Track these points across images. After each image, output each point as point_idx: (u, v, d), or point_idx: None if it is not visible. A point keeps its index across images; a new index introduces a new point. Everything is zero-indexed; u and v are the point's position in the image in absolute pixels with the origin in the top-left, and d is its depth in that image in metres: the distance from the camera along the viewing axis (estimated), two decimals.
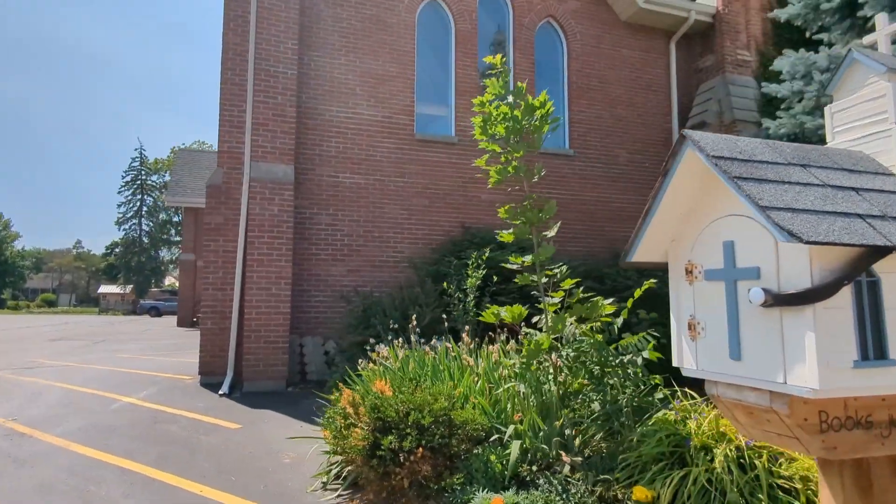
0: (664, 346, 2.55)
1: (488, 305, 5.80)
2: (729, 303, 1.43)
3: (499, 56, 3.95)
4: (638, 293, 3.55)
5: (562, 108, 9.96)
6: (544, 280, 3.80)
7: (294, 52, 7.72)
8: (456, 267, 6.91)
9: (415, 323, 5.90)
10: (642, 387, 3.54)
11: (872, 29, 5.91)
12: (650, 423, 3.09)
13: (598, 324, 3.85)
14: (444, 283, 5.53)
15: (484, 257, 5.52)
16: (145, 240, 48.52)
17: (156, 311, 36.15)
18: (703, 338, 1.54)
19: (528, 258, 3.83)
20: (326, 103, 8.25)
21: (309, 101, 8.17)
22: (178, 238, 46.49)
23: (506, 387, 3.65)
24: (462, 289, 5.43)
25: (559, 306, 3.80)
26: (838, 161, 1.52)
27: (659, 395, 3.57)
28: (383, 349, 5.73)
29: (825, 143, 5.86)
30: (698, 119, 10.65)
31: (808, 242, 1.13)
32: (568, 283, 3.81)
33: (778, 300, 1.26)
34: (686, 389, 3.53)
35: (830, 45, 7.27)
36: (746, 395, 1.43)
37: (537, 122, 3.75)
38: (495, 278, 5.56)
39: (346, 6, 8.47)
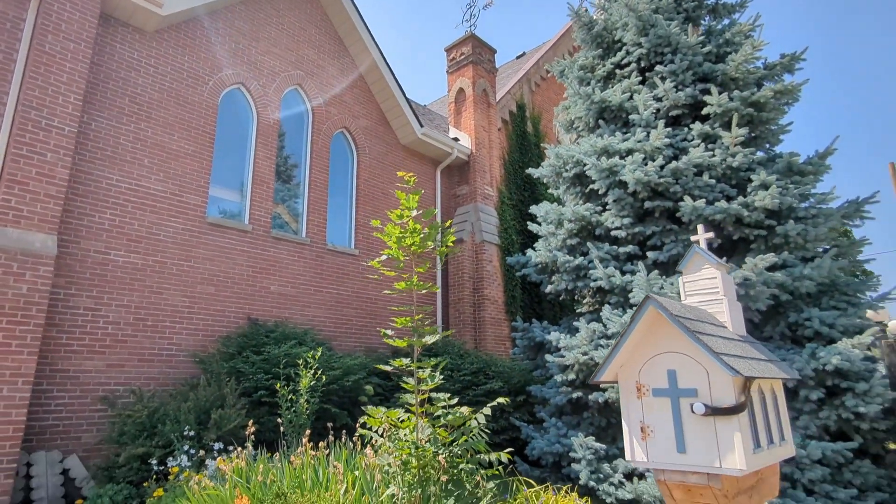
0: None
1: (322, 407, 5.67)
2: (674, 413, 2.11)
3: (411, 175, 4.43)
4: (503, 399, 4.16)
5: (350, 210, 10.67)
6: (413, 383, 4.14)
7: (76, 108, 6.66)
8: (258, 364, 6.53)
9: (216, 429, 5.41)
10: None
11: (594, 194, 8.31)
12: None
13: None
14: (277, 385, 5.23)
15: (317, 356, 5.46)
16: None
17: None
18: (652, 438, 2.18)
19: (406, 361, 4.14)
20: (106, 169, 7.20)
21: (83, 165, 7.02)
22: None
23: (388, 493, 3.73)
24: (295, 390, 5.21)
25: (425, 409, 4.15)
26: (708, 318, 2.45)
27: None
28: (184, 460, 5.04)
29: (570, 272, 7.61)
30: (457, 236, 12.58)
31: (746, 377, 1.89)
32: (431, 386, 4.21)
33: (715, 411, 1.99)
34: (522, 478, 4.18)
35: (560, 200, 9.70)
36: (689, 477, 2.09)
37: (442, 246, 4.30)
38: (324, 378, 5.51)
39: (144, 73, 7.80)
